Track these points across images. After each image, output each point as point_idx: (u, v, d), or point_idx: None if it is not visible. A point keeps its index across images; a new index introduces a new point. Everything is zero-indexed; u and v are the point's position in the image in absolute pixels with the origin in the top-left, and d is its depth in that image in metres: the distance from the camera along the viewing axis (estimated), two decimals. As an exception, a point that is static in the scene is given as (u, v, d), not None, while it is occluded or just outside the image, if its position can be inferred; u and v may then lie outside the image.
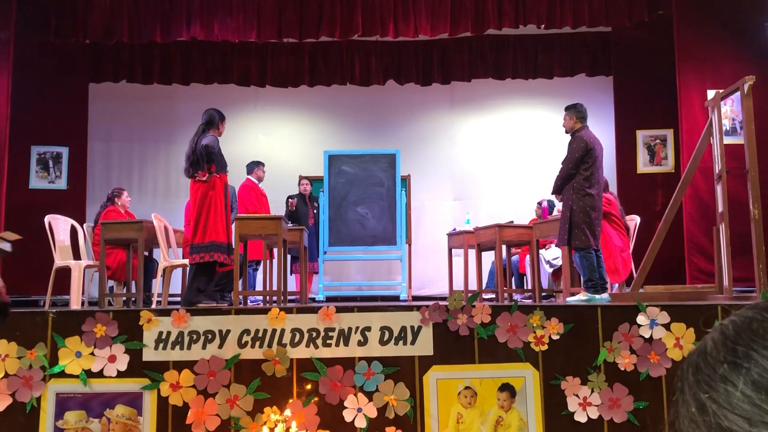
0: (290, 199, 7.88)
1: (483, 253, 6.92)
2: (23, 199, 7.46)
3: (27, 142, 7.81)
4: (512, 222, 7.31)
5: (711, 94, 5.95)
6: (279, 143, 9.10)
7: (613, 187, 7.62)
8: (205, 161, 5.21)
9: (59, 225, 6.35)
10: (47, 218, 6.23)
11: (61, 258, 6.19)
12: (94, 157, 8.53)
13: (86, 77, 8.54)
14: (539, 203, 7.56)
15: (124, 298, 6.17)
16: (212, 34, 7.39)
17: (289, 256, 7.08)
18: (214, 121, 5.44)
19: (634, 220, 6.63)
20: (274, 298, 6.09)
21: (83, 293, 6.29)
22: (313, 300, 7.54)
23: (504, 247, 6.73)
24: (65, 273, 6.10)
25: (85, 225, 6.71)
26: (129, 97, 8.75)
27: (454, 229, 7.59)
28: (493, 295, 6.87)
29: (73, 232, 6.56)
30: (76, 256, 6.48)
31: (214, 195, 5.26)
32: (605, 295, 5.19)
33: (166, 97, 8.78)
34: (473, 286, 6.87)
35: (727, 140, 5.77)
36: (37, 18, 7.26)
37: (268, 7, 7.36)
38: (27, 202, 7.47)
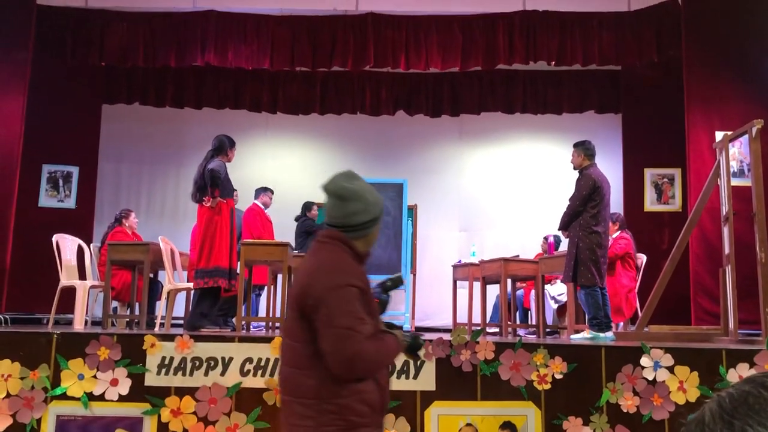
0: (314, 205, 7.93)
1: (488, 286, 6.91)
2: (32, 217, 7.51)
3: (38, 161, 7.88)
4: (518, 256, 7.31)
5: (719, 135, 5.98)
6: (288, 169, 9.15)
7: (620, 224, 7.64)
8: (210, 185, 5.24)
9: (66, 244, 6.38)
10: (55, 237, 6.26)
11: (67, 277, 6.21)
12: (104, 178, 8.59)
13: (100, 98, 8.65)
14: (545, 238, 7.57)
15: (128, 320, 6.17)
16: (226, 60, 7.48)
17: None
18: (223, 147, 5.49)
19: (640, 259, 6.63)
20: (278, 325, 6.08)
21: (87, 313, 6.29)
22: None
23: (509, 281, 6.72)
24: (70, 292, 6.12)
25: (92, 245, 6.74)
26: (141, 119, 8.84)
27: (459, 261, 7.58)
28: (497, 329, 6.84)
29: (80, 252, 6.59)
30: (82, 275, 6.50)
31: (220, 220, 5.29)
32: (610, 334, 5.17)
33: (177, 121, 8.86)
34: (477, 318, 6.84)
35: (735, 182, 5.77)
36: (55, 39, 7.37)
37: (282, 37, 7.46)
38: (36, 220, 7.51)
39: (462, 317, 7.11)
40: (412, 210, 8.62)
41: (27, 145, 6.79)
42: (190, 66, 7.92)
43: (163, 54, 7.51)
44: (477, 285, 6.86)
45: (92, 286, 6.26)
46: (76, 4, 7.42)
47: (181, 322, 6.48)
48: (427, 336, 4.33)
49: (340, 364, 1.95)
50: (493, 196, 9.07)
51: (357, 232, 2.13)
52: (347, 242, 2.12)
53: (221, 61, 7.53)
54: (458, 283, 7.39)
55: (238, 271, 5.47)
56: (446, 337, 4.20)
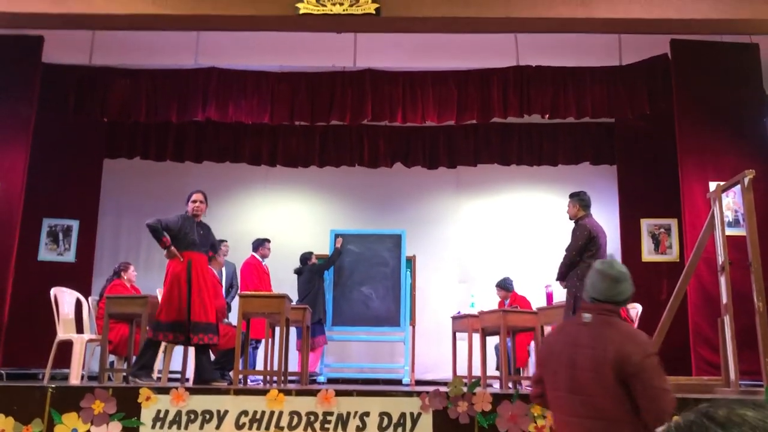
0: (312, 255, 7.96)
1: (488, 337, 6.87)
2: (31, 270, 7.51)
3: (39, 214, 7.93)
4: (517, 307, 7.29)
5: (713, 186, 6.04)
6: (287, 221, 9.21)
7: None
8: (155, 239, 5.34)
9: (64, 298, 6.39)
10: (53, 291, 6.27)
11: (64, 331, 6.19)
12: (103, 231, 8.64)
13: (101, 153, 8.76)
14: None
15: (124, 374, 6.12)
16: (227, 115, 7.62)
17: (295, 330, 7.06)
18: (186, 201, 5.60)
19: (634, 309, 6.61)
20: (275, 378, 6.03)
21: (84, 367, 6.25)
22: (314, 381, 7.44)
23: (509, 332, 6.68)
24: (67, 346, 6.09)
25: (90, 298, 6.74)
26: (142, 173, 8.94)
27: (459, 312, 7.56)
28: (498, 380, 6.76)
29: (78, 306, 6.59)
30: (80, 329, 6.49)
31: (172, 273, 5.32)
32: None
33: (178, 174, 8.95)
34: (477, 371, 6.78)
35: (730, 232, 5.81)
36: (58, 96, 7.52)
37: (281, 92, 7.62)
38: (35, 273, 7.52)
39: (462, 369, 7.04)
40: (411, 261, 8.64)
41: (28, 198, 6.85)
42: (190, 120, 8.05)
43: (164, 109, 7.65)
44: (477, 336, 6.82)
45: (89, 340, 6.24)
46: (80, 61, 7.59)
47: (178, 375, 6.43)
48: (427, 389, 4.30)
49: (658, 417, 2.34)
50: (492, 247, 9.10)
51: (620, 306, 2.64)
52: (619, 314, 2.63)
53: (222, 116, 7.67)
54: (458, 335, 7.35)
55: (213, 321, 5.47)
56: (443, 389, 4.17)
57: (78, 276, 7.79)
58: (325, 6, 5.97)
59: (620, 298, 2.62)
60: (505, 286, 7.68)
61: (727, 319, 5.19)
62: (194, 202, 5.60)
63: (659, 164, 7.75)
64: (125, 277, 6.80)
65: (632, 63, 7.45)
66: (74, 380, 5.97)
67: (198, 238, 5.48)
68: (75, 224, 8.22)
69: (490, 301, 7.80)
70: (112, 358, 6.51)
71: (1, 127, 6.73)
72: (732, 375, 5.08)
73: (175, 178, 8.81)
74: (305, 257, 8.04)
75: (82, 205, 8.31)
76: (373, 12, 5.94)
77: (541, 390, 2.70)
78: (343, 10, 5.96)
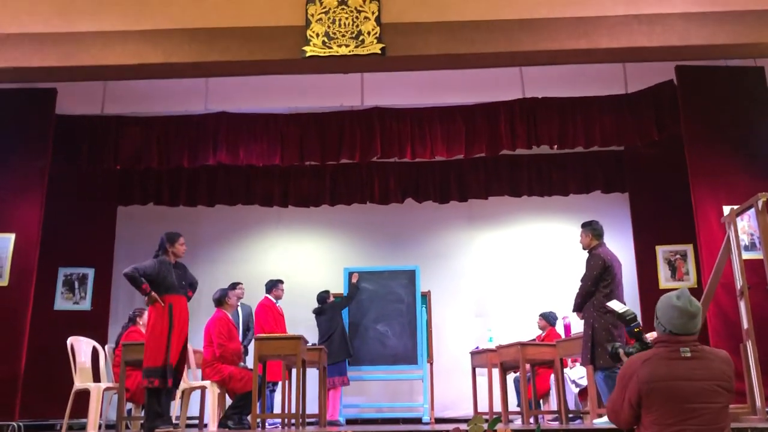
0: (330, 294, 7.96)
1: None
2: (48, 319, 7.53)
3: (55, 264, 7.99)
4: (534, 340, 7.22)
5: (726, 210, 6.00)
6: (300, 261, 9.22)
7: (635, 302, 7.55)
8: (132, 285, 5.31)
9: (81, 347, 6.39)
10: (70, 340, 6.28)
11: (81, 380, 6.18)
12: (119, 279, 8.63)
13: (114, 200, 8.84)
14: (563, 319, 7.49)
15: (142, 422, 6.08)
16: (238, 159, 7.69)
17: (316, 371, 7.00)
18: (162, 245, 5.59)
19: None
20: (293, 421, 5.97)
21: (101, 416, 6.22)
22: (333, 423, 7.36)
23: (528, 365, 6.60)
24: (84, 395, 6.07)
25: (106, 346, 6.74)
26: (155, 219, 8.97)
27: (477, 347, 7.48)
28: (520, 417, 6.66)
29: (95, 354, 6.58)
30: (96, 377, 6.47)
31: (155, 318, 5.30)
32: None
33: (191, 219, 9.00)
34: (498, 406, 6.68)
35: (747, 255, 5.76)
36: (71, 146, 7.64)
37: (291, 133, 7.70)
38: (51, 322, 7.54)
39: (483, 406, 6.94)
40: (426, 297, 8.59)
41: (44, 248, 6.91)
42: (202, 165, 8.13)
43: (176, 155, 7.74)
44: (497, 371, 6.73)
45: (106, 388, 6.22)
46: (93, 111, 7.73)
47: (196, 421, 6.38)
48: (447, 427, 4.23)
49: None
50: (506, 279, 9.05)
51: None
52: None
53: (233, 160, 7.75)
54: (477, 370, 7.27)
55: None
56: (463, 426, 4.11)
57: (94, 324, 7.80)
58: (331, 48, 6.06)
59: (695, 330, 2.87)
60: (547, 318, 7.55)
61: (749, 345, 5.10)
62: (182, 245, 5.65)
63: (671, 190, 7.72)
64: (141, 323, 6.80)
65: (638, 90, 7.47)
66: (92, 430, 5.93)
67: (176, 279, 5.50)
68: (90, 272, 8.27)
69: (509, 334, 7.70)
70: (129, 405, 6.48)
71: (16, 178, 6.83)
72: (758, 402, 4.98)
73: (189, 223, 8.84)
74: (323, 296, 8.01)
75: (97, 253, 8.36)
76: (379, 52, 6.02)
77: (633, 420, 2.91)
78: (349, 51, 6.05)
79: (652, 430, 2.78)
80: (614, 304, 3.79)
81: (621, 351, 3.46)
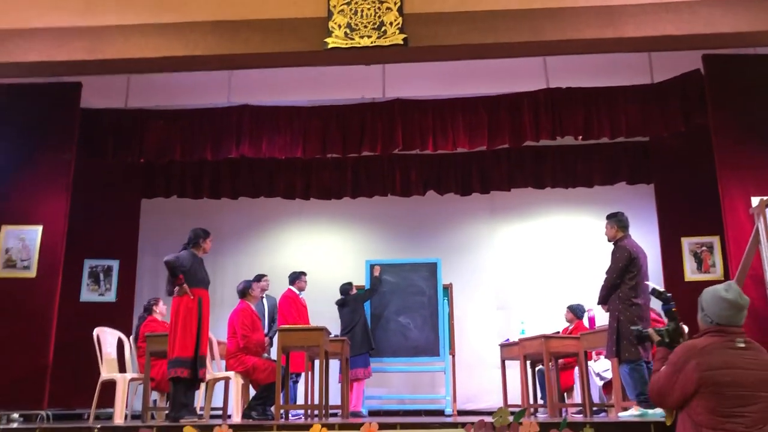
0: (352, 285, 7.99)
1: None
2: (74, 311, 7.64)
3: (80, 256, 8.10)
4: (559, 332, 7.17)
5: (755, 201, 5.90)
6: (322, 253, 9.24)
7: (660, 295, 7.45)
8: (170, 274, 5.42)
9: (107, 338, 6.48)
10: (96, 331, 6.37)
11: (107, 371, 6.27)
12: (143, 271, 8.75)
13: (139, 193, 8.94)
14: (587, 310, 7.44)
15: (167, 411, 6.15)
16: (260, 151, 7.71)
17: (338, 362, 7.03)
18: (196, 240, 5.72)
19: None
20: (316, 412, 5.99)
21: (127, 406, 6.30)
22: (355, 414, 7.38)
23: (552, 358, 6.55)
24: (111, 386, 6.16)
25: (131, 337, 6.82)
26: (179, 212, 9.06)
27: (507, 340, 7.44)
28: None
29: (120, 345, 6.67)
30: (122, 368, 6.56)
31: (185, 310, 5.40)
32: (659, 410, 4.97)
33: (214, 212, 9.07)
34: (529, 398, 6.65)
35: (776, 247, 5.65)
36: (96, 139, 7.71)
37: (313, 126, 7.69)
38: (77, 314, 7.64)
39: (514, 398, 6.88)
40: (448, 289, 8.57)
41: (70, 241, 6.99)
42: (225, 158, 8.17)
43: (199, 148, 7.78)
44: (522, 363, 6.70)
45: (132, 379, 6.29)
46: (117, 105, 7.79)
47: (220, 412, 6.44)
48: (470, 419, 4.22)
49: None
50: (529, 272, 8.98)
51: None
52: None
53: (256, 152, 7.77)
54: (499, 362, 7.23)
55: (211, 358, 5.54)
56: (488, 419, 4.10)
57: (119, 315, 7.90)
58: (353, 39, 6.04)
59: (742, 322, 2.96)
60: (575, 310, 7.44)
61: (779, 338, 5.01)
62: (210, 242, 5.85)
63: (697, 181, 7.59)
64: (156, 311, 6.88)
65: (665, 80, 7.35)
66: (118, 419, 6.01)
67: (205, 276, 5.67)
68: (115, 264, 8.37)
69: (532, 327, 7.64)
70: (154, 395, 6.55)
71: (43, 172, 6.91)
72: (788, 396, 4.89)
73: (212, 215, 8.92)
74: (346, 288, 8.03)
75: (122, 245, 8.47)
76: (401, 42, 5.99)
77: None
78: (371, 43, 6.02)
79: (705, 417, 2.79)
80: (652, 284, 4.04)
81: (651, 331, 3.54)
